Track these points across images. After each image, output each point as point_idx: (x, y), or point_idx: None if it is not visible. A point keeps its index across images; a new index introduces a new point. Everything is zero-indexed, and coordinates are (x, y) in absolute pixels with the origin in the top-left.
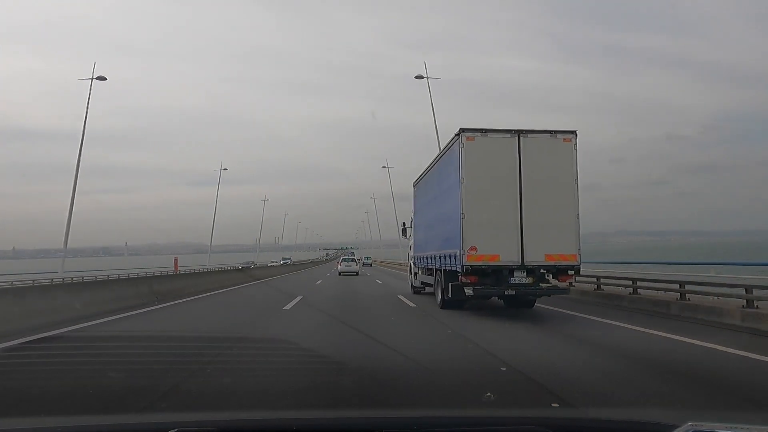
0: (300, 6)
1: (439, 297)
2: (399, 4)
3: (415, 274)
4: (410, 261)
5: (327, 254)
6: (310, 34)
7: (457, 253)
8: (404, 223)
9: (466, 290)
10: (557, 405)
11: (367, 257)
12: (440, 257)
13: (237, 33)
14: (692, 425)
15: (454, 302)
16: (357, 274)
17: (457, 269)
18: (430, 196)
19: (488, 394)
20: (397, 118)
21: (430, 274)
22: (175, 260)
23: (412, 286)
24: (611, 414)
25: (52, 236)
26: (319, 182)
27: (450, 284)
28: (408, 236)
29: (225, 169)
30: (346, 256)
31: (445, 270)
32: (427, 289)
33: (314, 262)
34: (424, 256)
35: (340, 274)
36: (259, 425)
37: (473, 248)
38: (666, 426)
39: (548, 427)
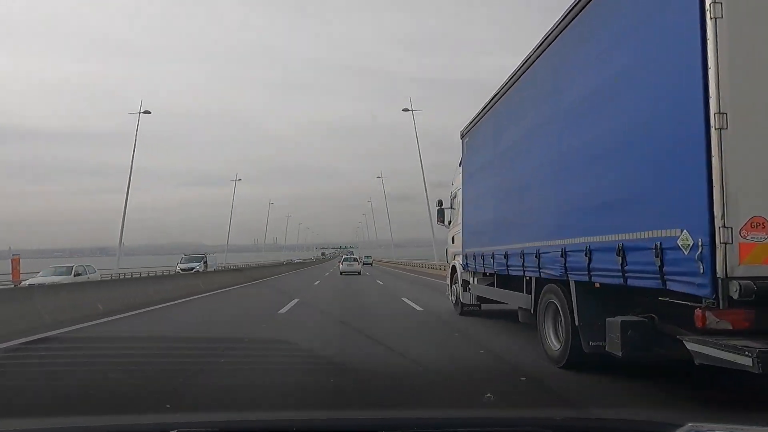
0: (299, 6)
1: (561, 343)
2: (399, 4)
3: (465, 282)
4: (453, 261)
5: (323, 254)
6: (310, 33)
7: (688, 245)
8: (440, 202)
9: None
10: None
11: (367, 257)
12: (567, 254)
13: (237, 33)
14: (692, 426)
15: (595, 358)
16: (359, 273)
17: (686, 288)
18: (514, 132)
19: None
20: (397, 117)
21: (510, 287)
22: (14, 262)
23: (459, 303)
24: (611, 414)
25: (49, 236)
26: (318, 182)
27: (622, 323)
28: (446, 222)
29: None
30: (347, 256)
31: (583, 284)
32: (485, 306)
33: (292, 264)
34: (493, 254)
35: (341, 273)
36: (259, 426)
37: (759, 222)
38: (666, 426)
39: (548, 427)
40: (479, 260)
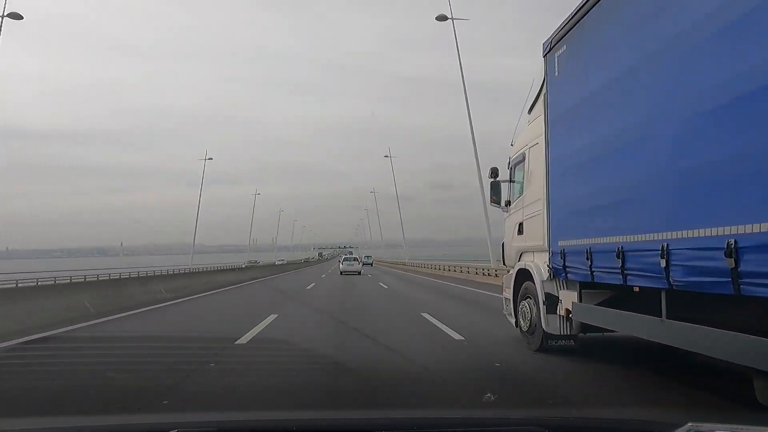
0: (298, 6)
1: None
2: (398, 4)
3: (551, 298)
4: (522, 263)
5: (321, 254)
6: (309, 33)
7: None
8: (494, 171)
9: None
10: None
11: (367, 257)
12: None
13: (236, 33)
14: (692, 425)
15: None
16: (359, 273)
17: None
18: None
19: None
20: (396, 118)
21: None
22: None
23: (536, 332)
24: (611, 414)
25: (45, 236)
26: (318, 183)
27: None
28: (503, 203)
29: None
30: (347, 255)
31: None
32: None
33: (257, 269)
34: (665, 248)
35: (341, 273)
36: (259, 425)
37: None
38: (666, 426)
39: (548, 427)
40: (602, 260)
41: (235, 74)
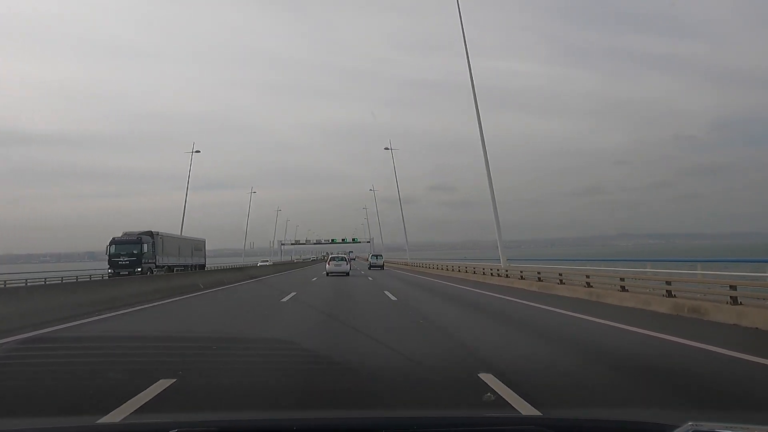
0: (299, 8)
1: None
2: (399, 6)
3: None
4: None
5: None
6: (310, 36)
7: None
8: None
9: None
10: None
11: (376, 256)
12: None
13: (236, 36)
14: (692, 425)
15: None
16: (347, 274)
17: None
18: None
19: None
20: (397, 120)
21: None
22: None
23: None
24: (611, 414)
25: (34, 241)
26: (318, 186)
27: None
28: None
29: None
30: (335, 255)
31: None
32: None
33: None
34: None
35: (328, 274)
36: (259, 425)
37: None
38: (666, 426)
39: (547, 427)
40: None
41: (236, 77)
